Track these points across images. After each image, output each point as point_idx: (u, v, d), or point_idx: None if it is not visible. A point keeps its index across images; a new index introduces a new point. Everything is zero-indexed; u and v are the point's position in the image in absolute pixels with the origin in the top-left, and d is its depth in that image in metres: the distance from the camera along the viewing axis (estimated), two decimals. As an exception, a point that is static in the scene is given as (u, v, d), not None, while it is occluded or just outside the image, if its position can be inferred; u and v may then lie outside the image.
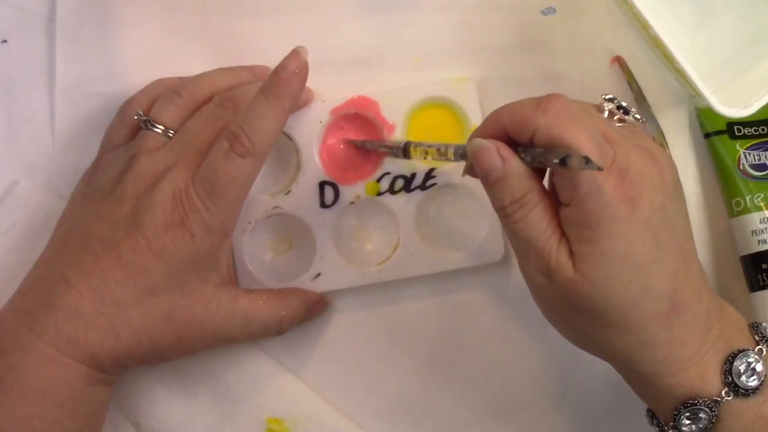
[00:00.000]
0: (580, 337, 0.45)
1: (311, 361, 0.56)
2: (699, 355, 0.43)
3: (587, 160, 0.38)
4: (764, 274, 0.54)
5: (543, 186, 0.44)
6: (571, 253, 0.42)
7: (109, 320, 0.47)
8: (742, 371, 0.43)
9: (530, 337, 0.56)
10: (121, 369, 0.49)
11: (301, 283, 0.55)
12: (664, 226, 0.42)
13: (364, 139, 0.56)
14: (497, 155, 0.43)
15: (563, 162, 0.40)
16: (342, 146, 0.56)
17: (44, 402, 0.46)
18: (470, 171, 0.47)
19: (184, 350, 0.50)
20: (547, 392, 0.56)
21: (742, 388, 0.43)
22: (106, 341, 0.47)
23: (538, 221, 0.43)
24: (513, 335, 0.56)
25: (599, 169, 0.39)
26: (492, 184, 0.43)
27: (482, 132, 0.45)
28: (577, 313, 0.43)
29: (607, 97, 0.46)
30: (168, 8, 0.58)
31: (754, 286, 0.54)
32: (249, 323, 0.52)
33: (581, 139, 0.41)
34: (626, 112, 0.46)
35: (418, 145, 0.52)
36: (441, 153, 0.49)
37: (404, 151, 0.52)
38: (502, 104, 0.56)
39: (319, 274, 0.55)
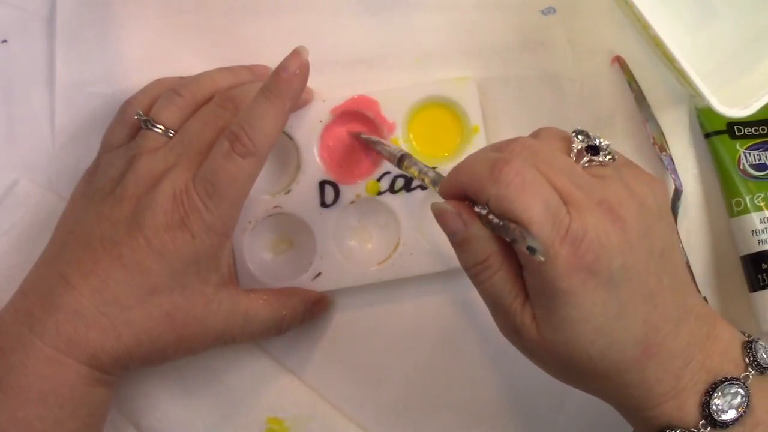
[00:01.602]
0: (557, 378, 0.45)
1: (311, 361, 0.56)
2: (676, 390, 0.43)
3: (531, 250, 0.39)
4: (764, 274, 0.54)
5: (508, 246, 0.42)
6: (535, 316, 0.42)
7: (109, 320, 0.47)
8: (719, 404, 0.42)
9: (530, 337, 0.56)
10: (121, 369, 0.49)
11: (301, 282, 0.55)
12: (625, 282, 0.41)
13: (368, 134, 0.55)
14: (459, 219, 0.43)
15: (513, 242, 0.40)
16: (345, 134, 0.55)
17: (45, 402, 0.46)
18: None
19: (185, 350, 0.50)
20: (547, 392, 0.56)
21: (719, 423, 0.42)
22: (107, 341, 0.47)
23: (501, 283, 0.42)
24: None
25: (541, 261, 0.39)
26: (455, 245, 0.44)
27: (447, 187, 0.44)
28: (548, 365, 0.44)
29: (577, 129, 0.44)
30: (168, 8, 0.57)
31: (754, 286, 0.55)
32: (249, 323, 0.51)
33: (533, 212, 0.40)
34: (595, 151, 0.44)
35: (411, 164, 0.51)
36: (434, 182, 0.48)
37: (399, 161, 0.52)
38: (502, 104, 0.57)
39: (319, 274, 0.55)
